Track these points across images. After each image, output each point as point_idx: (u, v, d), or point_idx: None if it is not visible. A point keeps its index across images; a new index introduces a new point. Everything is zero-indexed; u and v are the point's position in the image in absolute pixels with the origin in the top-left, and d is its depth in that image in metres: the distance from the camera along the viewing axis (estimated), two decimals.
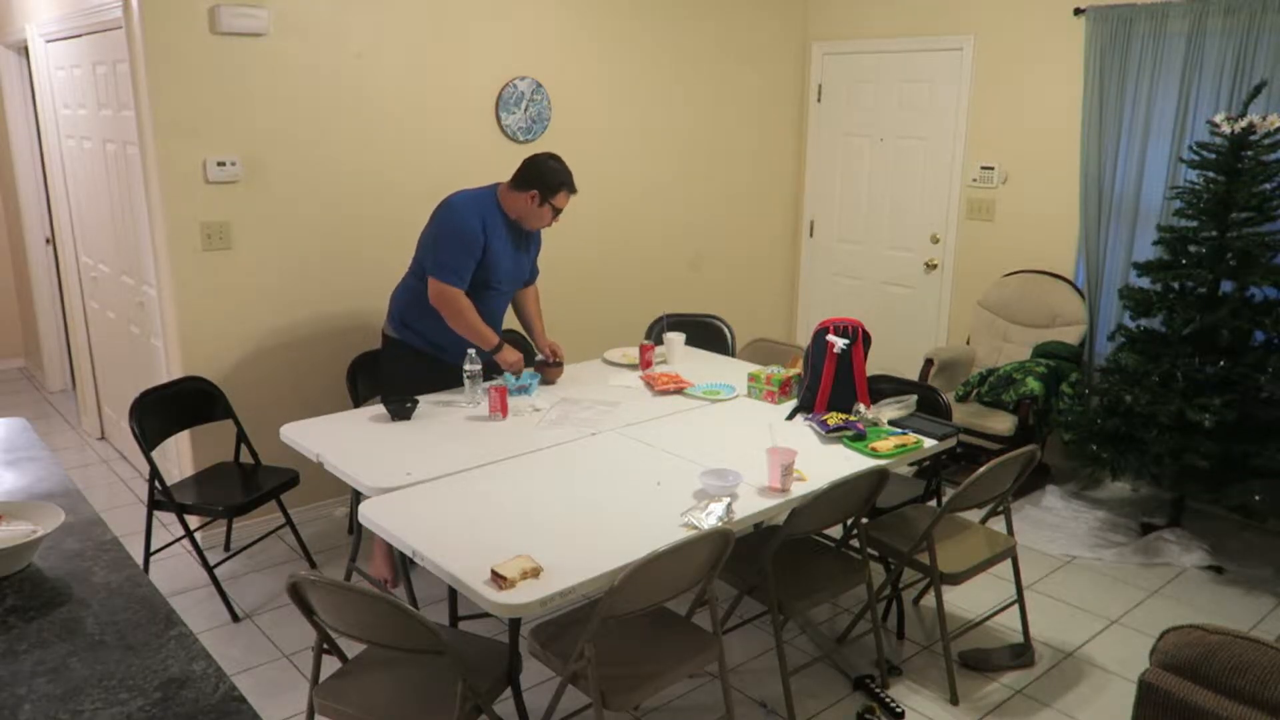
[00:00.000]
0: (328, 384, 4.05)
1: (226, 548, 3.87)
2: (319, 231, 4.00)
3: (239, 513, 3.42)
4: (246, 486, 3.52)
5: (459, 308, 3.33)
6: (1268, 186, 3.69)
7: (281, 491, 3.53)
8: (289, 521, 3.70)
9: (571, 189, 3.38)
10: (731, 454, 2.88)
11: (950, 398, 4.14)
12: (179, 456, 3.94)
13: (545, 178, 3.31)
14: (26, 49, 5.04)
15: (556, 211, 3.39)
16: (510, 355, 3.44)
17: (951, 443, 3.12)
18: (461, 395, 3.33)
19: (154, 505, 3.37)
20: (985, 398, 4.48)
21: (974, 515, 3.25)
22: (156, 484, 3.34)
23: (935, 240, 5.29)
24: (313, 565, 3.77)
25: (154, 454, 3.31)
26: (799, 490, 2.65)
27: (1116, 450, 3.98)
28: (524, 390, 3.38)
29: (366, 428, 3.08)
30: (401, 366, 3.53)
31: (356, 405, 3.68)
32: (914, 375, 4.70)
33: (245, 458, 3.69)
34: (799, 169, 5.87)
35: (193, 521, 3.55)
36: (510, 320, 4.57)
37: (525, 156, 3.40)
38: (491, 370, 3.49)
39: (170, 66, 3.52)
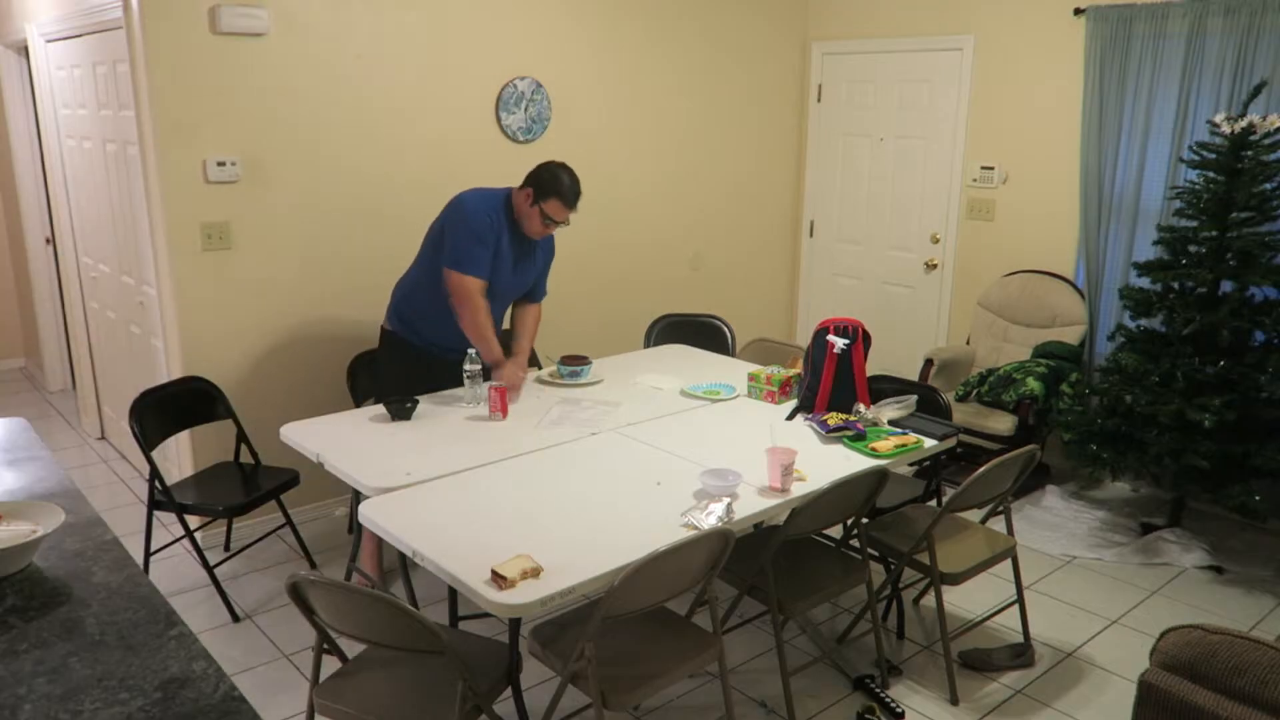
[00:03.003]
0: (328, 384, 4.05)
1: (226, 548, 3.87)
2: (319, 231, 3.99)
3: (239, 513, 3.42)
4: (246, 486, 3.52)
5: (475, 305, 3.24)
6: (1268, 186, 3.69)
7: (281, 491, 3.52)
8: (289, 521, 3.70)
9: (566, 202, 3.26)
10: (731, 454, 2.88)
11: (950, 398, 4.14)
12: (179, 456, 3.94)
13: (543, 180, 3.25)
14: (26, 49, 5.04)
15: (546, 218, 3.28)
16: (509, 373, 3.34)
17: (951, 443, 3.12)
18: (462, 394, 3.33)
19: (154, 505, 3.37)
20: (985, 398, 4.48)
21: (974, 515, 3.25)
22: (156, 484, 3.33)
23: (935, 240, 5.29)
24: (313, 565, 3.77)
25: (154, 454, 3.31)
26: (799, 490, 2.64)
27: (1116, 450, 3.98)
28: (576, 375, 3.53)
29: (366, 428, 3.08)
30: (398, 362, 3.50)
31: (357, 405, 3.69)
32: (914, 375, 4.70)
33: (247, 458, 3.69)
34: (799, 169, 5.87)
35: (193, 521, 3.55)
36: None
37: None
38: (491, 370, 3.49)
39: (170, 66, 3.52)
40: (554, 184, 3.24)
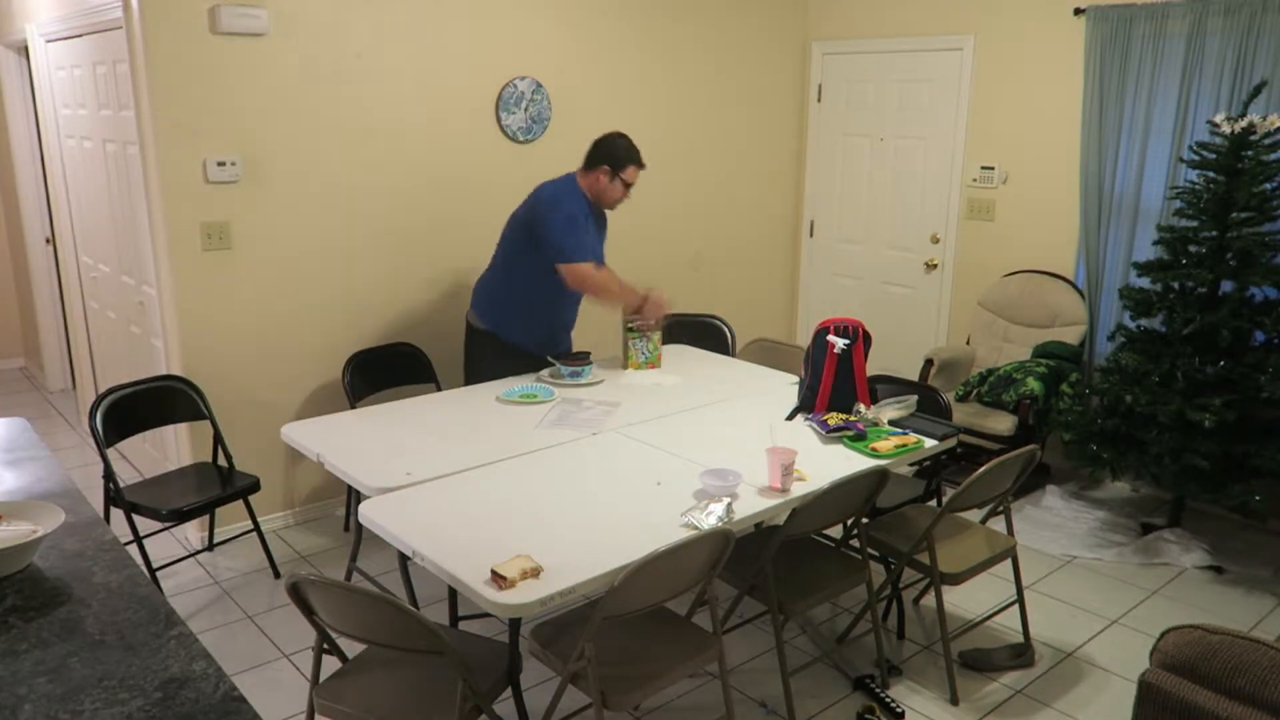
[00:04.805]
0: (327, 384, 4.05)
1: (210, 546, 3.85)
2: (319, 231, 3.99)
3: (184, 518, 3.29)
4: (202, 491, 3.42)
5: (600, 283, 3.53)
6: (1268, 186, 3.69)
7: (235, 498, 3.46)
8: (256, 528, 3.65)
9: (639, 164, 3.60)
10: (731, 454, 2.88)
11: (950, 398, 4.14)
12: (178, 453, 3.93)
13: (616, 153, 3.55)
14: (26, 49, 5.04)
15: (627, 186, 3.61)
16: (656, 294, 3.67)
17: (951, 443, 3.12)
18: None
19: (109, 503, 3.32)
20: (985, 398, 4.48)
21: (974, 515, 3.25)
22: (111, 483, 3.28)
23: (935, 240, 5.29)
24: (276, 575, 3.72)
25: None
26: (799, 490, 2.64)
27: (1116, 450, 3.97)
28: (577, 375, 3.54)
29: (366, 428, 3.08)
30: (489, 359, 3.73)
31: (353, 405, 3.69)
32: (914, 375, 4.70)
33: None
34: (799, 169, 5.87)
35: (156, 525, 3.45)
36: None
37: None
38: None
39: (170, 66, 3.51)
40: (627, 152, 3.56)
